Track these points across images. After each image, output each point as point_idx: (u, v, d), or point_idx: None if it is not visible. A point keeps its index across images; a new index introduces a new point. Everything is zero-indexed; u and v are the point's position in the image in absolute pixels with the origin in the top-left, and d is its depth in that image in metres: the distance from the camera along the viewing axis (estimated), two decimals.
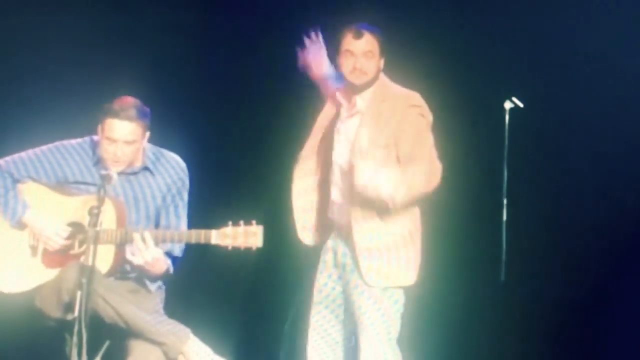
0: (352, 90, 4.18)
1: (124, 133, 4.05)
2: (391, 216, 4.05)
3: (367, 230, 4.04)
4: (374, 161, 4.02)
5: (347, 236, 4.10)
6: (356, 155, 4.03)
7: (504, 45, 5.17)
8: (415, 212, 4.10)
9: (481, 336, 4.81)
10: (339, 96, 4.21)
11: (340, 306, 4.17)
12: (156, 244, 3.97)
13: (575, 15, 5.12)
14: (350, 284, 4.09)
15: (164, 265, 4.05)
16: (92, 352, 3.81)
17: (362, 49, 4.11)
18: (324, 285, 4.18)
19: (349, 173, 4.07)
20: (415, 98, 4.14)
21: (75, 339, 3.60)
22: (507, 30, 5.19)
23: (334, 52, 4.19)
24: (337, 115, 4.25)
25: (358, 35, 4.12)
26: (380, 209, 4.02)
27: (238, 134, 5.43)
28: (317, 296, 4.19)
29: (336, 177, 4.15)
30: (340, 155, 4.15)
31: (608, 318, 5.18)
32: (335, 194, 4.13)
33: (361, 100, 4.17)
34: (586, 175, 5.15)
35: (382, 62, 4.19)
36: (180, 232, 4.09)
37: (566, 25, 5.12)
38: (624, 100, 5.08)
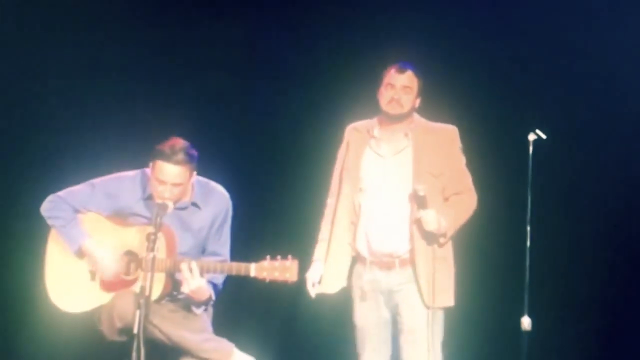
0: (388, 120, 4.32)
1: (172, 176, 4.19)
2: (441, 245, 4.25)
3: (425, 258, 4.20)
4: (434, 209, 4.18)
5: (391, 265, 4.23)
6: (418, 193, 4.15)
7: (528, 78, 5.22)
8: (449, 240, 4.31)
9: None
10: (376, 128, 4.33)
11: (387, 330, 4.30)
12: (201, 274, 4.15)
13: (599, 43, 5.15)
14: (403, 308, 4.24)
15: (207, 292, 4.23)
16: None
17: (402, 83, 4.30)
18: (369, 315, 4.29)
19: (406, 205, 4.21)
20: (455, 131, 4.35)
21: (134, 354, 3.80)
22: (530, 62, 5.22)
23: (375, 85, 4.34)
24: (366, 150, 4.36)
25: (401, 71, 4.32)
26: (434, 241, 4.21)
27: (279, 171, 5.54)
28: (362, 325, 4.31)
29: (385, 210, 4.26)
30: (391, 188, 4.27)
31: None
32: (386, 227, 4.25)
33: (410, 132, 4.31)
34: (609, 205, 5.15)
35: (418, 101, 4.35)
36: (223, 264, 4.23)
37: (589, 58, 5.16)
38: None
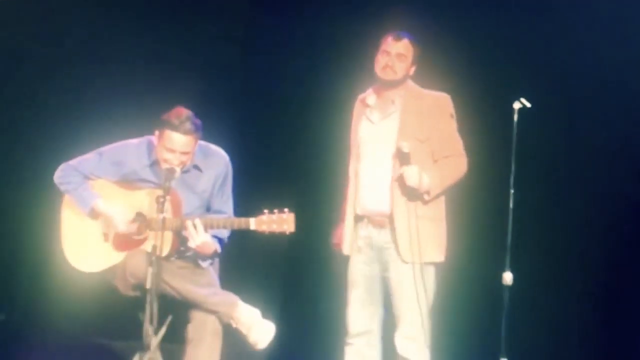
0: (382, 86, 4.43)
1: (181, 145, 4.36)
2: (425, 203, 4.39)
3: (405, 215, 4.34)
4: (417, 165, 4.30)
5: (382, 223, 4.39)
6: (402, 150, 4.27)
7: (512, 48, 5.33)
8: (442, 199, 4.47)
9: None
10: (371, 96, 4.46)
11: (376, 284, 4.44)
12: (205, 230, 4.35)
13: (585, 17, 5.23)
14: (390, 264, 4.39)
15: (212, 246, 4.44)
16: (160, 320, 4.22)
17: (397, 50, 4.38)
18: (361, 267, 4.46)
19: (389, 165, 4.35)
20: (447, 99, 4.45)
21: (147, 307, 4.06)
22: (515, 32, 5.31)
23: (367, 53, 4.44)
24: (362, 119, 4.51)
25: (398, 39, 4.40)
26: (417, 198, 4.35)
27: (274, 133, 5.73)
28: (353, 277, 4.46)
29: (371, 171, 4.41)
30: (377, 150, 4.41)
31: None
32: (371, 186, 4.41)
33: (398, 98, 4.41)
34: (591, 174, 5.25)
35: (412, 69, 4.43)
36: (225, 219, 4.41)
37: (575, 27, 5.25)
38: (631, 101, 5.18)
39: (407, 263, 4.35)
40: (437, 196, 4.43)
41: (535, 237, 5.21)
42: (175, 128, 4.37)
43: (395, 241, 4.38)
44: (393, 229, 4.38)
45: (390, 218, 4.39)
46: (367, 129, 4.51)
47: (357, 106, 4.59)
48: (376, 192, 4.43)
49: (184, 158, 4.42)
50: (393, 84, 4.44)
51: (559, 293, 5.32)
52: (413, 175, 4.32)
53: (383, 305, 4.49)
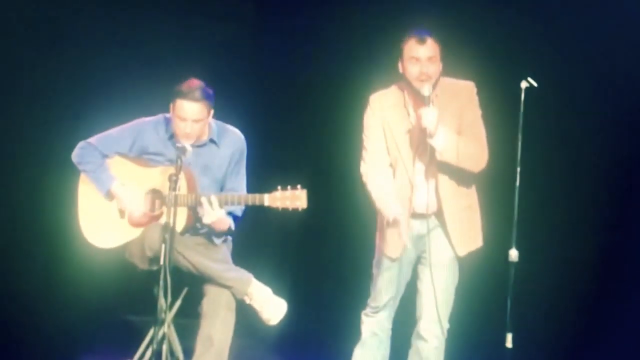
0: (416, 92, 4.30)
1: (192, 112, 4.43)
2: (464, 194, 4.42)
3: (454, 205, 4.38)
4: (437, 110, 4.20)
5: (427, 216, 4.37)
6: (422, 93, 4.19)
7: (522, 27, 5.36)
8: (474, 188, 4.51)
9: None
10: (409, 104, 4.35)
11: (409, 265, 4.45)
12: (220, 206, 4.43)
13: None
14: (432, 251, 4.38)
15: (227, 223, 4.53)
16: (175, 294, 4.36)
17: (426, 54, 4.26)
18: (398, 252, 4.38)
19: (431, 166, 4.30)
20: (472, 88, 4.41)
21: (161, 282, 4.15)
22: (523, 10, 5.34)
23: (385, 51, 4.42)
24: (403, 112, 4.39)
25: (422, 41, 4.26)
26: (459, 177, 4.35)
27: (288, 113, 5.83)
28: (389, 257, 4.40)
29: (419, 173, 4.36)
30: (419, 146, 4.33)
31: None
32: (420, 189, 4.37)
33: (434, 98, 4.29)
34: (597, 152, 5.31)
35: (441, 66, 4.34)
36: (239, 195, 4.47)
37: (584, 6, 5.27)
38: (637, 81, 5.20)
39: (452, 252, 4.40)
40: (473, 173, 4.42)
41: (541, 214, 5.28)
42: (185, 96, 4.45)
43: (446, 233, 4.40)
44: (442, 222, 4.40)
45: (439, 211, 4.40)
46: (405, 132, 4.43)
47: (380, 106, 4.45)
48: (423, 188, 4.41)
49: (196, 127, 4.48)
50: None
51: (564, 270, 5.40)
52: (431, 115, 4.23)
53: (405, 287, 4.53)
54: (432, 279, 4.42)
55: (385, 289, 4.48)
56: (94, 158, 4.58)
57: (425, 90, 4.27)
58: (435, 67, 4.33)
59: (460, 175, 4.44)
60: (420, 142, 4.36)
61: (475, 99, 4.44)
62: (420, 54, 4.29)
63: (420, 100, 4.33)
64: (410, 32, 4.32)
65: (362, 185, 4.48)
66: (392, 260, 4.44)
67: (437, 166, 4.38)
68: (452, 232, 4.40)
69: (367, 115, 4.47)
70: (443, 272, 4.44)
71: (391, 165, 4.43)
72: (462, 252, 4.44)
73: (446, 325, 4.50)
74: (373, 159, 4.42)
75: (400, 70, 4.36)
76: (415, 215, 4.46)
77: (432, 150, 4.31)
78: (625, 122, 5.30)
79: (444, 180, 4.41)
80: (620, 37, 5.25)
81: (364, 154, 4.47)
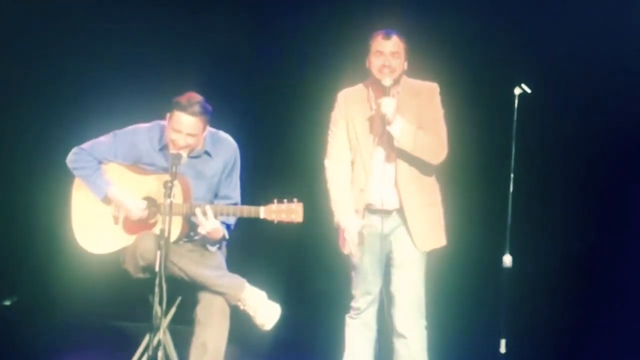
0: (380, 86, 4.40)
1: (187, 126, 4.43)
2: (426, 191, 4.46)
3: (415, 202, 4.41)
4: (396, 100, 4.32)
5: (387, 212, 4.42)
6: (383, 83, 4.29)
7: (515, 33, 5.43)
8: (437, 186, 4.53)
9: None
10: (372, 98, 4.44)
11: (378, 266, 4.49)
12: (215, 217, 4.43)
13: (584, 3, 5.32)
14: (395, 251, 4.44)
15: (220, 232, 4.52)
16: (169, 301, 4.28)
17: (390, 49, 4.42)
18: (365, 254, 4.44)
19: (391, 157, 4.38)
20: (435, 88, 4.48)
21: (157, 289, 4.13)
22: (516, 18, 5.41)
23: (362, 51, 4.45)
24: (359, 114, 4.47)
25: (387, 37, 4.43)
26: (420, 174, 4.40)
27: (284, 124, 5.85)
28: (357, 262, 4.45)
29: (378, 164, 4.42)
30: (378, 136, 4.41)
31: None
32: (378, 179, 4.43)
33: (396, 95, 4.40)
34: (590, 158, 5.37)
35: (405, 64, 4.47)
36: (235, 207, 4.48)
37: (575, 13, 5.34)
38: (632, 85, 5.27)
39: (416, 249, 4.44)
40: (436, 164, 4.46)
41: (535, 220, 5.36)
42: (183, 109, 4.45)
43: (407, 229, 4.44)
44: (403, 218, 4.44)
45: (400, 208, 4.44)
46: (366, 123, 4.51)
47: (345, 101, 4.55)
48: (384, 184, 4.46)
49: (190, 140, 4.49)
50: (392, 83, 4.44)
51: (558, 275, 5.44)
52: (390, 103, 4.36)
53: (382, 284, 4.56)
54: (399, 279, 4.46)
55: (362, 289, 4.52)
56: (89, 163, 4.57)
57: (387, 81, 4.40)
58: (398, 62, 4.44)
59: (421, 171, 4.48)
60: (380, 132, 4.43)
61: (436, 99, 4.50)
62: (385, 48, 4.44)
63: (382, 94, 4.43)
64: (379, 30, 4.46)
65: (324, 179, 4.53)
66: (357, 262, 4.49)
67: (396, 159, 4.43)
68: (413, 228, 4.43)
69: (334, 111, 4.59)
70: (410, 271, 4.46)
71: (352, 161, 4.50)
72: (425, 248, 4.45)
73: (423, 322, 4.49)
74: (335, 154, 4.52)
75: (367, 65, 4.48)
76: (374, 211, 4.48)
77: (390, 138, 4.38)
78: (619, 129, 5.36)
79: (403, 173, 4.45)
80: (615, 44, 5.31)
81: (328, 148, 4.57)
